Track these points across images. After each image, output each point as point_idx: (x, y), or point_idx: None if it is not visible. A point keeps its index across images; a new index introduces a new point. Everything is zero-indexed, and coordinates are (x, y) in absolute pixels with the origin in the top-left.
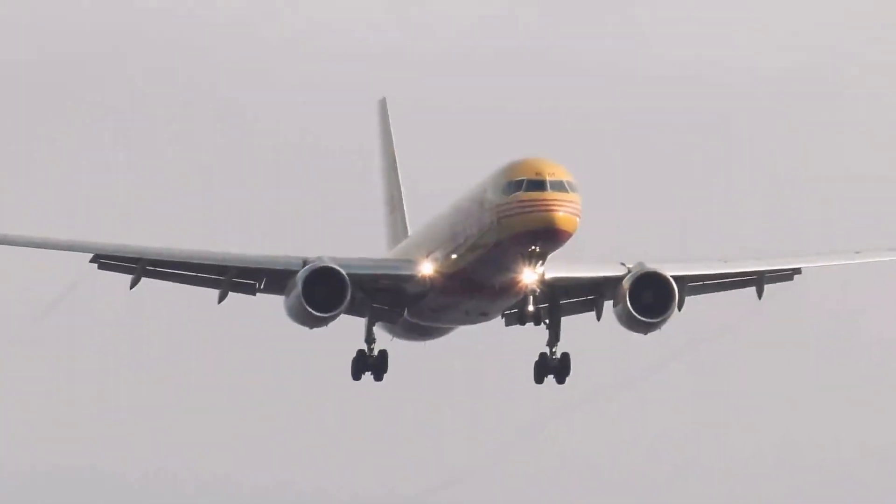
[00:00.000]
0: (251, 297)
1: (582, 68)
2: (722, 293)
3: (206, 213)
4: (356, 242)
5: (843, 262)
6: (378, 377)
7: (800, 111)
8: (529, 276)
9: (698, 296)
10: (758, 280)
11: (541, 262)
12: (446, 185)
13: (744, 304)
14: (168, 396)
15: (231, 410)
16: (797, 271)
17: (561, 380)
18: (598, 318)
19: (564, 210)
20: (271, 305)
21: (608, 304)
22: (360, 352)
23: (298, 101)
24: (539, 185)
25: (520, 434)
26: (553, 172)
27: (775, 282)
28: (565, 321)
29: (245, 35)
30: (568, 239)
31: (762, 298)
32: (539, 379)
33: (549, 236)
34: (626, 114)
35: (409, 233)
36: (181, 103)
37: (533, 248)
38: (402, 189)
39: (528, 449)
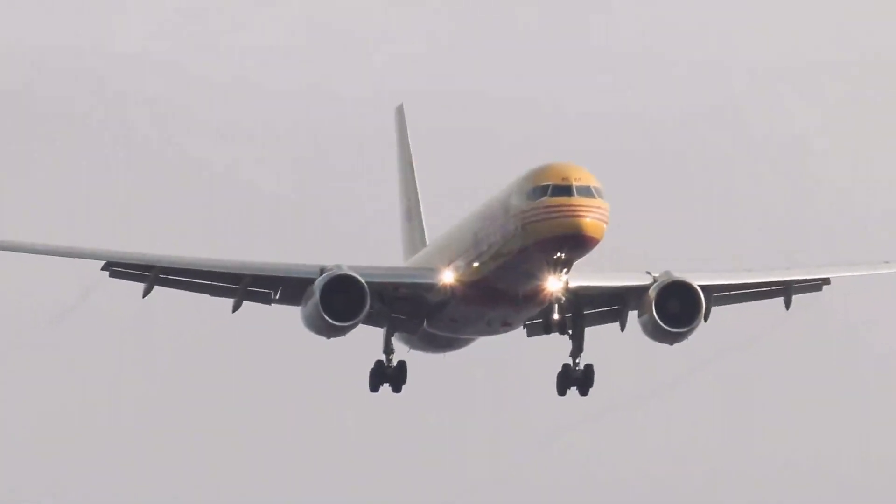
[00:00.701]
0: (266, 306)
1: (587, 69)
2: (749, 303)
3: (221, 221)
4: (372, 252)
5: (872, 272)
6: (396, 389)
7: (807, 114)
8: (554, 283)
9: (725, 306)
10: (786, 290)
11: (566, 269)
12: (455, 193)
13: (771, 314)
14: (182, 407)
15: (246, 422)
16: (826, 281)
17: (584, 391)
18: (623, 328)
19: (591, 216)
20: (287, 315)
21: (632, 315)
22: (379, 363)
23: (313, 108)
24: (565, 190)
25: (543, 447)
26: (580, 177)
27: (804, 292)
28: (588, 332)
29: (254, 39)
30: (595, 245)
31: (790, 309)
32: (562, 391)
33: (575, 242)
34: (645, 119)
35: (427, 241)
36: (192, 112)
37: (558, 254)
38: (420, 197)
39: (550, 462)
